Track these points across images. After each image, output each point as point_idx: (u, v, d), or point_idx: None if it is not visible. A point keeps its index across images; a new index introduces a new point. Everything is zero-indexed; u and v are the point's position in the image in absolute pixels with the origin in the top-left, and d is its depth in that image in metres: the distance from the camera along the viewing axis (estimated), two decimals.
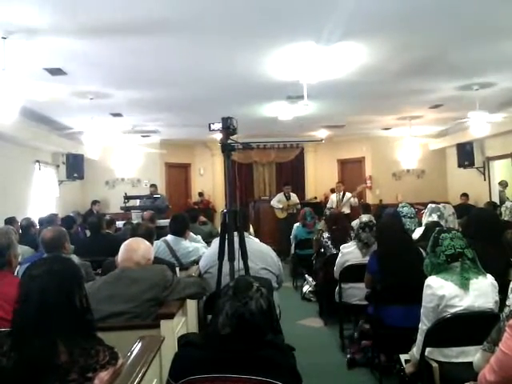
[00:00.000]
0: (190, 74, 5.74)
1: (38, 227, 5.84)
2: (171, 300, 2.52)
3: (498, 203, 7.84)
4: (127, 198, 8.49)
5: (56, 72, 5.30)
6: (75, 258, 3.30)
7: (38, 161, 8.43)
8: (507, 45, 4.87)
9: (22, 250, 4.54)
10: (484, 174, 9.84)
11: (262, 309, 1.66)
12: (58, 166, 9.38)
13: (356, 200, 9.61)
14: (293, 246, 7.30)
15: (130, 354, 1.78)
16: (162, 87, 6.31)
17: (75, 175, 9.36)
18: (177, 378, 1.65)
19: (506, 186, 8.95)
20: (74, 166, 9.32)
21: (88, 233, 5.97)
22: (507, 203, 6.69)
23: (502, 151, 9.12)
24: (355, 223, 4.46)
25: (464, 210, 6.44)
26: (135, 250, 2.65)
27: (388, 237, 3.71)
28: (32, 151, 8.21)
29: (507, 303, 1.89)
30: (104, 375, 1.53)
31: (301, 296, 6.41)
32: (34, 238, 5.14)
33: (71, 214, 7.66)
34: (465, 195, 9.67)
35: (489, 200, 8.71)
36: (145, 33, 4.26)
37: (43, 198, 8.58)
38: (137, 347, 1.86)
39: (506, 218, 5.57)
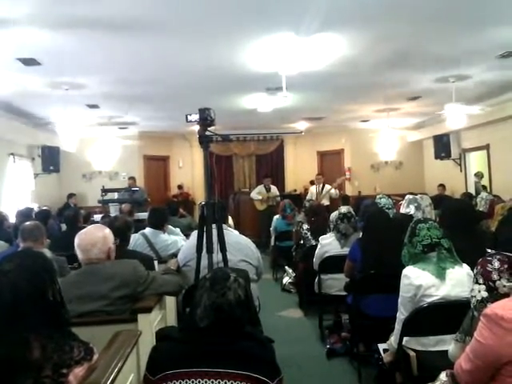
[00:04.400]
0: (168, 65, 5.67)
1: (10, 222, 5.72)
2: (148, 294, 2.47)
3: (474, 194, 7.98)
4: (105, 191, 8.38)
5: (30, 62, 5.16)
6: (47, 252, 3.23)
7: (12, 153, 8.23)
8: (484, 37, 4.93)
9: None
10: (460, 166, 10.00)
11: (239, 299, 1.66)
12: (33, 159, 9.19)
13: (337, 191, 9.67)
14: (273, 237, 7.32)
15: (106, 349, 1.75)
16: (139, 78, 6.21)
17: (51, 168, 9.20)
18: (154, 372, 1.63)
19: (482, 177, 9.12)
20: (50, 159, 9.15)
21: (63, 227, 5.88)
22: (483, 194, 6.82)
23: (477, 143, 9.27)
24: (333, 215, 4.47)
25: (441, 200, 6.53)
26: (89, 249, 2.46)
27: (374, 225, 3.74)
28: (6, 143, 8.01)
29: (472, 294, 1.92)
30: (79, 371, 1.50)
31: (281, 287, 6.44)
32: (7, 232, 5.03)
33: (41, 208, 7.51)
34: (441, 186, 9.82)
35: (465, 191, 8.87)
36: (122, 23, 4.17)
37: (18, 191, 8.39)
38: (113, 342, 1.83)
39: (481, 209, 5.67)
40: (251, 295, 1.74)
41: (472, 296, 1.92)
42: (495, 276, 1.84)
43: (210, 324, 1.63)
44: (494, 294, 1.81)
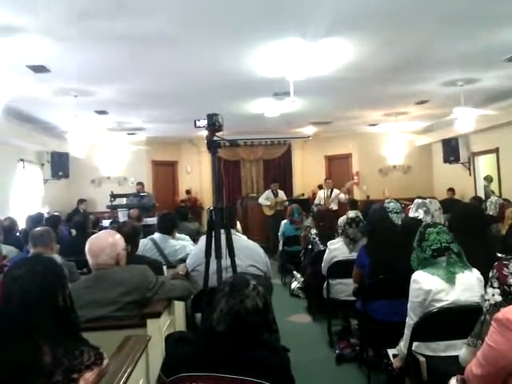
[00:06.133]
0: (176, 72, 5.70)
1: (19, 228, 5.76)
2: (157, 299, 2.48)
3: (484, 198, 7.92)
4: (113, 196, 8.43)
5: (39, 69, 5.22)
6: (58, 258, 3.25)
7: (22, 159, 8.31)
8: (491, 40, 4.91)
9: (7, 250, 4.50)
10: (469, 169, 9.93)
11: (257, 307, 1.64)
12: (42, 165, 9.26)
13: (346, 196, 9.64)
14: (281, 242, 7.30)
15: (116, 354, 1.76)
16: (147, 84, 6.25)
17: (60, 174, 9.26)
18: (169, 373, 1.62)
19: (491, 180, 9.05)
20: (59, 165, 9.21)
21: (73, 232, 5.91)
22: (492, 198, 6.75)
23: (486, 146, 9.21)
24: (341, 220, 4.46)
25: (450, 204, 6.49)
26: (98, 254, 2.49)
27: (380, 231, 3.73)
28: (16, 149, 8.09)
29: (486, 297, 1.91)
30: (89, 376, 1.50)
31: (289, 292, 6.42)
32: (17, 238, 5.07)
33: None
34: (451, 190, 9.76)
35: (474, 195, 8.80)
36: (130, 29, 4.20)
37: (28, 197, 8.46)
38: (123, 347, 1.84)
39: (491, 213, 5.61)
40: (270, 304, 1.72)
41: (485, 299, 1.90)
42: (511, 280, 1.82)
43: (226, 329, 1.62)
44: (509, 299, 1.79)
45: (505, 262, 1.88)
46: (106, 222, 7.57)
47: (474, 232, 3.21)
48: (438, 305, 2.48)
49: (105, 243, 2.53)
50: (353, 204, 7.61)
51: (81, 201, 10.02)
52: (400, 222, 4.80)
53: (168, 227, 4.30)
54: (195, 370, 1.58)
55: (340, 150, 11.94)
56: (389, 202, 5.23)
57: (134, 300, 2.39)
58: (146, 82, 6.14)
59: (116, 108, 7.59)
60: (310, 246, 5.47)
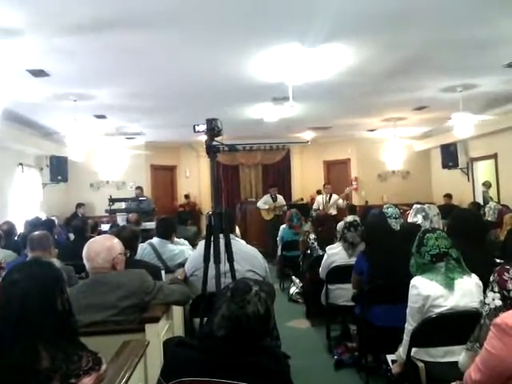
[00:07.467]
0: (175, 76, 5.71)
1: (18, 232, 5.75)
2: (155, 304, 2.47)
3: (482, 203, 7.93)
4: (112, 200, 8.41)
5: (38, 73, 5.22)
6: (56, 262, 3.24)
7: (21, 163, 8.31)
8: (490, 46, 4.93)
9: (5, 255, 4.49)
10: (468, 175, 9.95)
11: (258, 314, 1.62)
12: (41, 169, 9.26)
13: (345, 202, 9.65)
14: (279, 247, 7.30)
15: (114, 359, 1.75)
16: (146, 88, 6.26)
17: (59, 178, 9.26)
18: (169, 377, 1.61)
19: (490, 186, 9.06)
20: (58, 169, 9.22)
21: (71, 236, 5.90)
22: (491, 203, 6.76)
23: (485, 152, 9.23)
24: (340, 225, 4.47)
25: (449, 210, 6.50)
26: (93, 258, 2.48)
27: (376, 236, 3.73)
28: (15, 154, 8.09)
29: (486, 301, 1.91)
30: (87, 381, 1.50)
31: (288, 297, 6.41)
32: (16, 242, 5.06)
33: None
34: (447, 196, 9.77)
35: (472, 200, 8.81)
36: (129, 32, 4.21)
37: (26, 201, 8.45)
38: (121, 352, 1.83)
39: (489, 219, 5.61)
40: (272, 310, 1.71)
41: (485, 303, 1.90)
42: (510, 285, 1.82)
43: (227, 334, 1.61)
44: (508, 304, 1.79)
45: (507, 267, 1.88)
46: (104, 227, 7.57)
47: (472, 238, 3.21)
48: (437, 310, 2.48)
49: (100, 247, 2.52)
50: (351, 209, 7.61)
51: (79, 205, 10.01)
52: (399, 228, 4.82)
53: (167, 232, 4.29)
54: (196, 375, 1.57)
55: (339, 155, 11.95)
56: (387, 208, 5.24)
57: (132, 304, 2.38)
58: (146, 87, 6.15)
59: (115, 112, 7.60)
60: (308, 251, 5.47)
